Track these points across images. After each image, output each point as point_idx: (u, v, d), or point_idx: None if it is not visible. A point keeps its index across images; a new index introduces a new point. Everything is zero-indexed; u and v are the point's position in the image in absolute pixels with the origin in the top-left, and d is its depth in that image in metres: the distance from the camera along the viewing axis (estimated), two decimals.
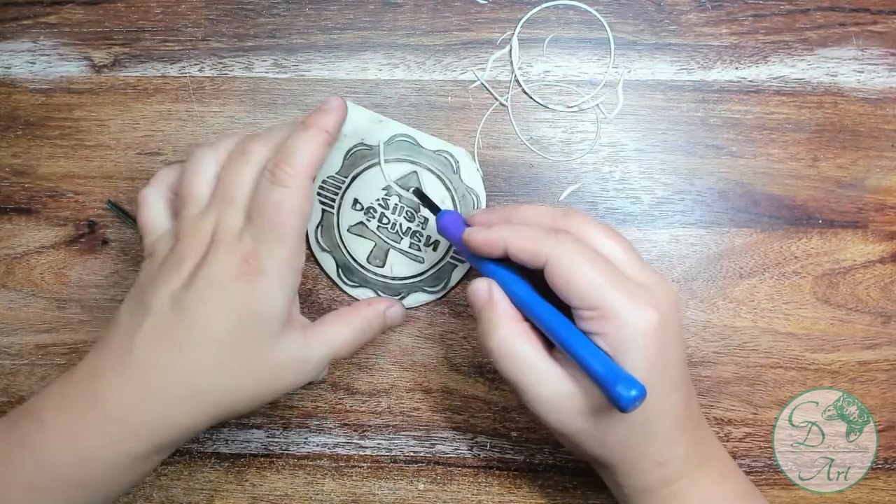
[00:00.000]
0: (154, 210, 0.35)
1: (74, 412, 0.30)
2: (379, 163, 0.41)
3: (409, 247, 0.41)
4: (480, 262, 0.34)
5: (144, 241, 0.35)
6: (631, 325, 0.29)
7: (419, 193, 0.40)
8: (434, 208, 0.38)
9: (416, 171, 0.41)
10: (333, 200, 0.41)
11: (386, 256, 0.41)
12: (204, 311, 0.31)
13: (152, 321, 0.31)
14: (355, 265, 0.41)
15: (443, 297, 0.41)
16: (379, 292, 0.41)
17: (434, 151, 0.41)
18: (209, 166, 0.34)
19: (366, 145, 0.41)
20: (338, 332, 0.35)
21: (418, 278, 0.41)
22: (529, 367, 0.31)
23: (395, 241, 0.41)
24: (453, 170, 0.41)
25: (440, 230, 0.36)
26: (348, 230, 0.41)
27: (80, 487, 0.30)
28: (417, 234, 0.41)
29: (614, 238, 0.32)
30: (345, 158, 0.41)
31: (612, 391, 0.28)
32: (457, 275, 0.41)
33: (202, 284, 0.31)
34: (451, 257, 0.41)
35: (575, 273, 0.29)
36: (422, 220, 0.41)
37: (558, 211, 0.32)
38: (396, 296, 0.41)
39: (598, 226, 0.32)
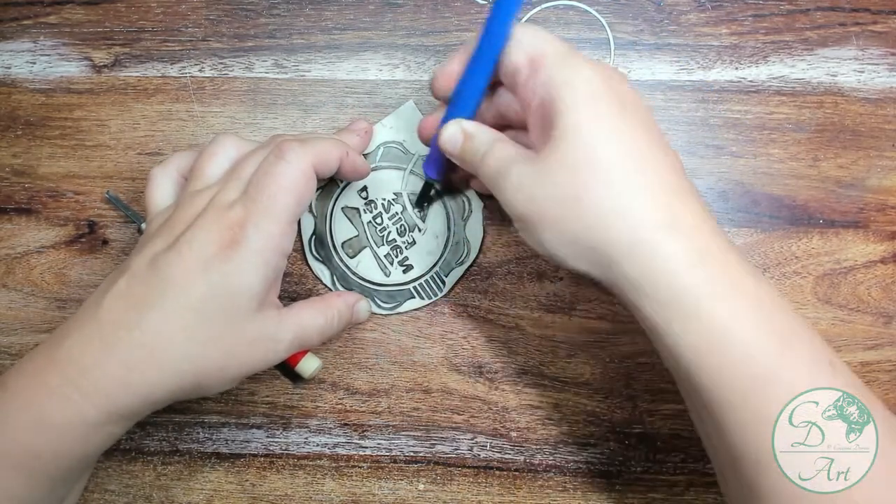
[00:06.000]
0: (161, 188, 0.35)
1: (34, 374, 0.30)
2: (405, 169, 0.41)
3: (385, 256, 0.41)
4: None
5: (147, 217, 0.35)
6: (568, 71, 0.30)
7: (425, 193, 0.40)
8: (427, 187, 0.40)
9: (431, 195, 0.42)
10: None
11: (359, 252, 0.41)
12: (179, 274, 0.30)
13: (126, 280, 0.31)
14: (328, 242, 0.41)
15: (392, 315, 0.41)
16: (377, 300, 0.41)
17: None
18: (228, 152, 0.34)
19: (403, 148, 0.42)
20: (311, 317, 0.35)
21: (381, 287, 0.41)
22: (512, 161, 0.31)
23: (376, 244, 0.41)
24: (462, 215, 0.41)
25: (425, 165, 0.38)
26: (342, 209, 0.41)
27: (37, 457, 0.29)
28: (398, 249, 0.41)
29: None
30: (379, 147, 0.41)
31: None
32: (409, 305, 0.41)
33: (183, 248, 0.30)
34: (413, 287, 0.41)
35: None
36: (409, 241, 0.41)
37: None
38: (392, 301, 0.41)
39: None
